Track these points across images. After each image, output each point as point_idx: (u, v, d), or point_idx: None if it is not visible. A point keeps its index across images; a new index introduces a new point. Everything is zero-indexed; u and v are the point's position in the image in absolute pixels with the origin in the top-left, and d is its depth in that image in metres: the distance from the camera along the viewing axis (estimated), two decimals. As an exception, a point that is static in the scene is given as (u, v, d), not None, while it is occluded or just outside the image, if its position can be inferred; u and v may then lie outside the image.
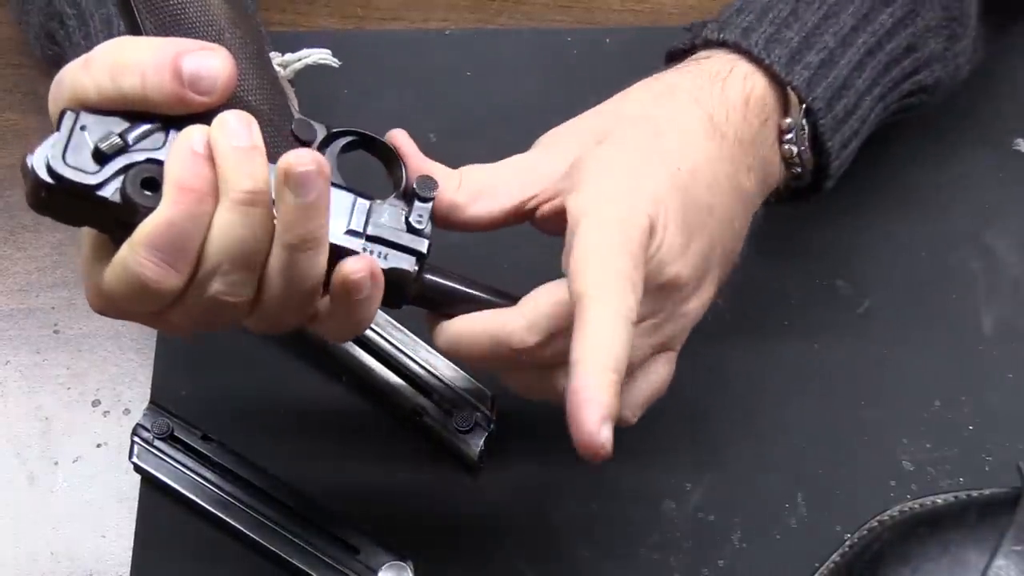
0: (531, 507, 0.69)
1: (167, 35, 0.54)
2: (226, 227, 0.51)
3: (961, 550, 0.62)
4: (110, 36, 0.58)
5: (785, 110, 0.64)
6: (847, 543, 0.67)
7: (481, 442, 0.68)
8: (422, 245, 0.56)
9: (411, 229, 0.56)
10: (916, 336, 0.73)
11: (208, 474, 0.67)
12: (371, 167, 0.60)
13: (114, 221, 0.52)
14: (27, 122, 0.80)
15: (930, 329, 0.74)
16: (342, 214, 0.55)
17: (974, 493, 0.67)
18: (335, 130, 0.57)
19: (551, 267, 0.57)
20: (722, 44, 0.64)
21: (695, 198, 0.59)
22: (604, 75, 0.80)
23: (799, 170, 0.65)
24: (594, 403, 0.52)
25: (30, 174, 0.50)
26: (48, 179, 0.50)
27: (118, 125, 0.51)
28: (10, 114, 0.81)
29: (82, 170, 0.50)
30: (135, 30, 0.54)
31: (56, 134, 0.51)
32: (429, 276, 0.58)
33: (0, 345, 0.74)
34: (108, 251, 0.53)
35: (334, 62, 0.65)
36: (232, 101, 0.53)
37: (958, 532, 0.63)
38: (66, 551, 0.68)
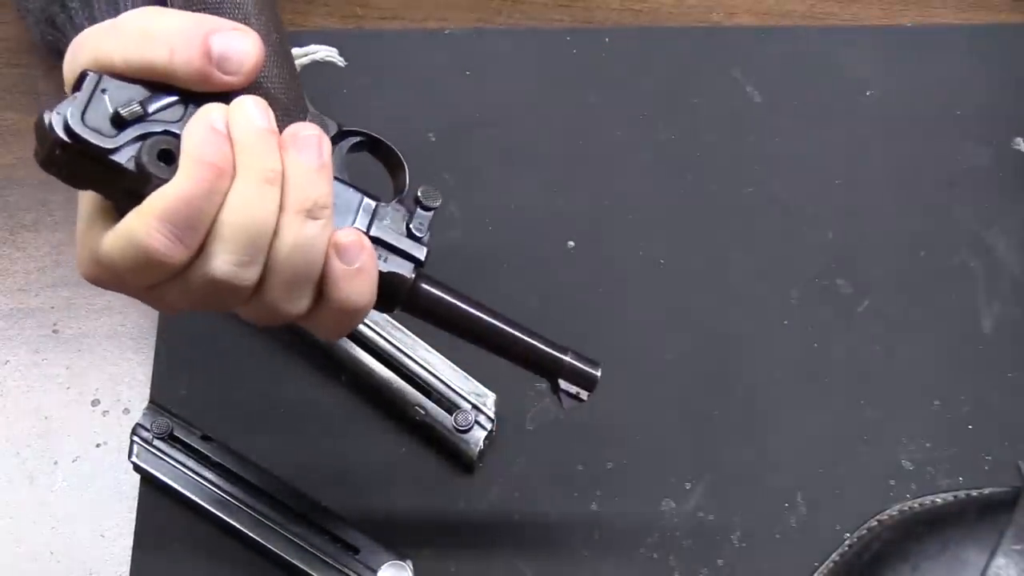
0: (531, 507, 0.69)
1: (194, 11, 0.53)
2: (243, 205, 0.51)
3: (961, 549, 0.62)
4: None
5: None
6: (847, 543, 0.67)
7: (481, 441, 0.68)
8: (420, 252, 0.56)
9: (411, 235, 0.57)
10: (916, 336, 0.73)
11: (208, 474, 0.67)
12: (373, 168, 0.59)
13: (122, 189, 0.51)
14: (27, 122, 0.80)
15: (930, 329, 0.74)
16: (349, 211, 0.55)
17: (973, 492, 0.67)
18: (345, 128, 0.57)
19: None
20: None
21: None
22: (604, 75, 0.80)
23: None
24: None
25: (47, 130, 0.50)
26: (64, 137, 0.50)
27: (139, 93, 0.51)
28: (10, 114, 0.81)
29: (100, 132, 0.50)
30: (162, 2, 0.54)
31: (77, 93, 0.50)
32: (424, 286, 0.58)
33: (0, 345, 0.74)
34: (110, 218, 0.52)
35: (340, 61, 0.65)
36: (254, 86, 0.53)
37: (958, 531, 0.63)
38: (66, 551, 0.68)
